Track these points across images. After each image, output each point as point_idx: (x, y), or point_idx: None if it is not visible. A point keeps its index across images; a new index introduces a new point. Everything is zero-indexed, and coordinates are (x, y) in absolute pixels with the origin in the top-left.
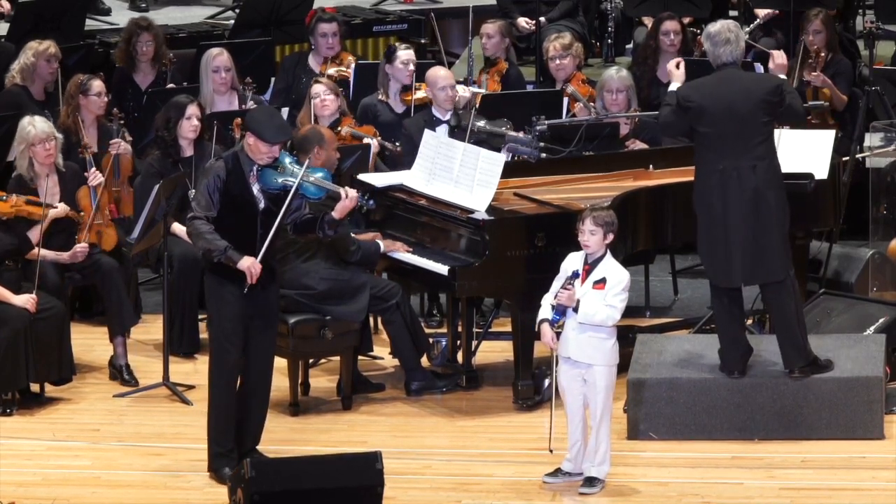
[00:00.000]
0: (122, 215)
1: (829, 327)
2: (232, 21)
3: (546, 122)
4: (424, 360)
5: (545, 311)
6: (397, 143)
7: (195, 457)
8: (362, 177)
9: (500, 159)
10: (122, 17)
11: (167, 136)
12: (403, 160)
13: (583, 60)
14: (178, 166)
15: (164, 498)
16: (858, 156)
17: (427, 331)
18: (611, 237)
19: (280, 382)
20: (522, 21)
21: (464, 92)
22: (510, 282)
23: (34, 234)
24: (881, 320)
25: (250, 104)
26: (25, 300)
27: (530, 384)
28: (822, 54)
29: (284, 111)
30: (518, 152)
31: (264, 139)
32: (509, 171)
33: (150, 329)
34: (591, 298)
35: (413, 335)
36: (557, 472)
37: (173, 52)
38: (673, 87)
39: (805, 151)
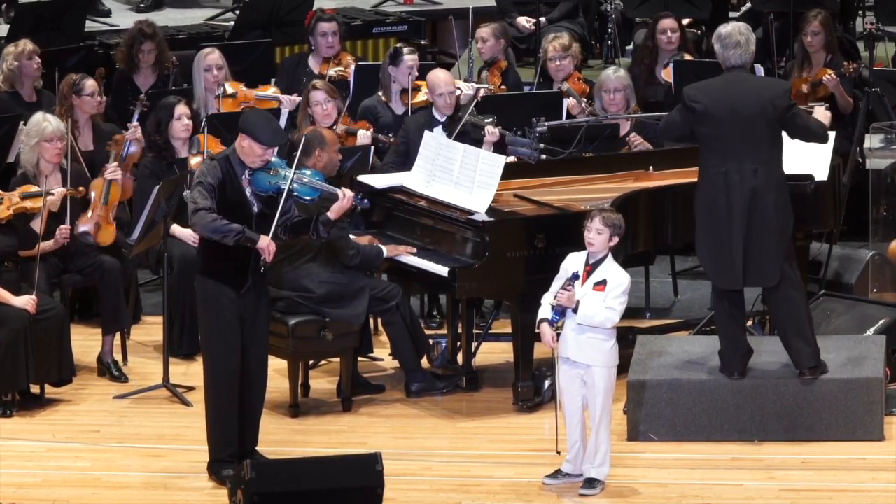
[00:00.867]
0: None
1: (829, 328)
2: (232, 22)
3: (546, 123)
4: (424, 362)
5: (545, 311)
6: (391, 135)
7: (195, 458)
8: (363, 178)
9: (499, 161)
10: (122, 18)
11: (159, 139)
12: (403, 160)
13: (581, 61)
14: (173, 168)
15: (164, 499)
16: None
17: (427, 332)
18: (616, 240)
19: (280, 384)
20: (522, 20)
21: (467, 89)
22: (510, 283)
23: (37, 225)
24: (881, 321)
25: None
26: (25, 301)
27: (530, 385)
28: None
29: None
30: (518, 153)
31: (260, 142)
32: (509, 172)
33: (150, 330)
34: (591, 300)
35: (413, 336)
36: (557, 474)
37: (174, 53)
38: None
39: (805, 153)
